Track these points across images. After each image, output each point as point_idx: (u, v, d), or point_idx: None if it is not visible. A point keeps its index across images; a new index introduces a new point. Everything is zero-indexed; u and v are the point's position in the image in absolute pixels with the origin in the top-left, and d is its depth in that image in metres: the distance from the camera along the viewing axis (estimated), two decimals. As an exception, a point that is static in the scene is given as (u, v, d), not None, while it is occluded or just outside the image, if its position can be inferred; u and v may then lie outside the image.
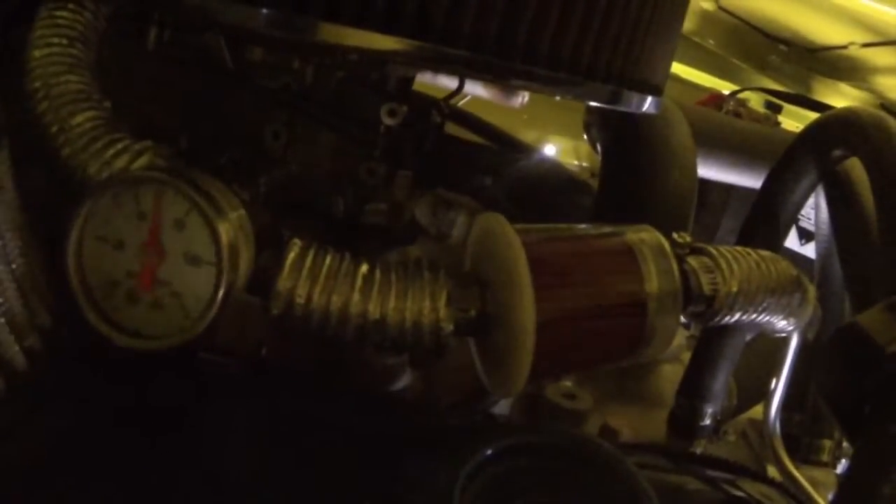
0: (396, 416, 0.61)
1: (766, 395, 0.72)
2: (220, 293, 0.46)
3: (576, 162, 1.41)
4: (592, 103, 0.64)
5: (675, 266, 0.54)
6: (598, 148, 1.00)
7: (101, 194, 0.46)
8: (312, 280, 0.48)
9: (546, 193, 1.02)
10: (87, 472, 0.46)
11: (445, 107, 0.73)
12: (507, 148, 1.13)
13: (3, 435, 0.47)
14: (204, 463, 0.49)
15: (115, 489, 0.46)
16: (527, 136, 1.20)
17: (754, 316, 0.59)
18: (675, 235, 0.56)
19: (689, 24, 0.67)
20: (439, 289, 0.50)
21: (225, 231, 0.46)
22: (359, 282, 0.49)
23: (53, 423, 0.49)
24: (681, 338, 0.94)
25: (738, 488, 0.62)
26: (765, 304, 0.59)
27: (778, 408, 0.70)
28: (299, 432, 0.52)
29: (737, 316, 0.58)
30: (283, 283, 0.48)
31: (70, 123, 0.52)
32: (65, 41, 0.55)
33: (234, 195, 0.49)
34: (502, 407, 0.76)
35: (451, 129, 1.01)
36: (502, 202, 0.87)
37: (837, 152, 0.72)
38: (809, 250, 1.66)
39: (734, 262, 0.57)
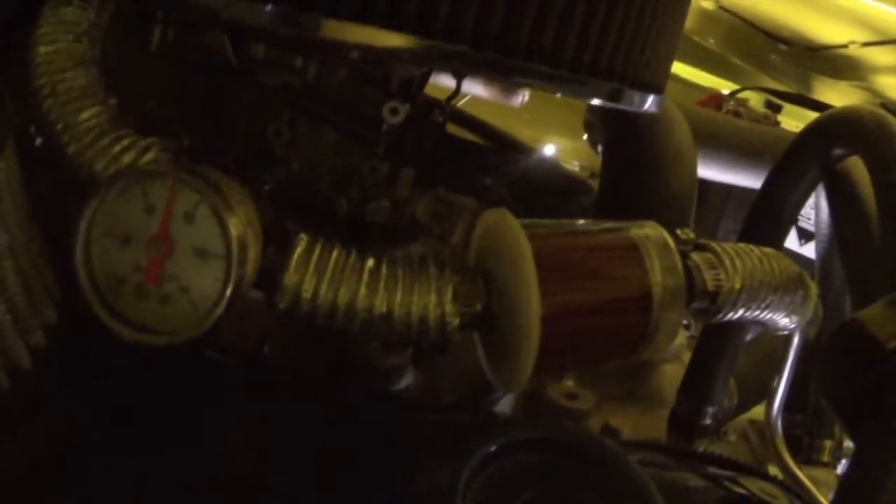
0: (399, 414, 0.61)
1: (767, 395, 0.72)
2: (230, 288, 0.46)
3: (576, 162, 1.41)
4: (594, 101, 0.64)
5: (679, 262, 0.54)
6: (599, 148, 1.00)
7: (108, 189, 0.46)
8: (319, 275, 0.48)
9: (546, 193, 1.02)
10: (90, 470, 0.46)
11: (447, 106, 0.73)
12: (507, 148, 1.13)
13: (7, 431, 0.47)
14: (206, 461, 0.49)
15: (118, 488, 0.46)
16: (527, 136, 1.20)
17: (757, 313, 0.59)
18: (678, 232, 0.56)
19: (689, 23, 0.68)
20: (445, 284, 0.50)
21: (234, 225, 0.46)
22: (365, 276, 0.49)
23: (57, 421, 0.49)
24: (682, 337, 0.94)
25: (740, 486, 0.62)
26: (768, 301, 0.59)
27: (780, 406, 0.71)
28: (301, 431, 0.52)
29: (740, 313, 0.58)
30: (289, 277, 0.48)
31: (76, 120, 0.52)
32: (70, 37, 0.55)
33: (241, 190, 0.49)
34: (504, 407, 0.76)
35: (452, 129, 1.01)
36: (504, 201, 0.87)
37: (838, 151, 0.73)
38: (809, 250, 1.66)
39: (738, 258, 0.58)
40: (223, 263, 0.46)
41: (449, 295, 0.50)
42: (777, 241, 0.76)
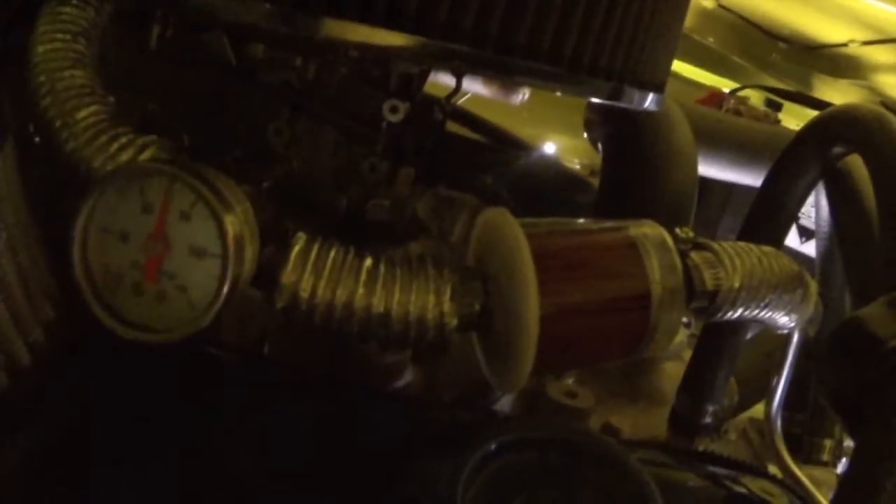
0: (399, 412, 0.61)
1: (766, 393, 0.72)
2: (226, 286, 0.46)
3: (576, 160, 1.41)
4: (594, 100, 0.64)
5: (678, 261, 0.54)
6: (599, 146, 1.00)
7: (106, 186, 0.46)
8: (317, 274, 0.48)
9: (546, 191, 1.02)
10: (89, 468, 0.46)
11: (447, 104, 0.73)
12: (507, 146, 1.13)
13: (6, 429, 0.47)
14: (205, 460, 0.49)
15: (117, 486, 0.46)
16: (527, 134, 1.20)
17: (756, 312, 0.59)
18: (677, 231, 0.56)
19: (689, 22, 0.68)
20: (443, 283, 0.50)
21: (231, 224, 0.46)
22: (363, 276, 0.49)
23: (56, 419, 0.49)
24: (682, 336, 0.94)
25: (740, 485, 0.62)
26: (767, 300, 0.59)
27: (779, 405, 0.71)
28: (301, 429, 0.52)
29: (739, 312, 0.58)
30: (287, 276, 0.48)
31: (74, 118, 0.52)
32: (68, 37, 0.56)
33: (238, 189, 0.49)
34: (503, 405, 0.76)
35: (452, 126, 1.01)
36: (504, 199, 0.87)
37: (838, 149, 0.72)
38: (809, 248, 1.66)
39: (737, 257, 0.57)
40: (220, 262, 0.46)
41: (447, 295, 0.50)
42: (777, 240, 0.76)
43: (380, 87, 0.65)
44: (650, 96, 0.65)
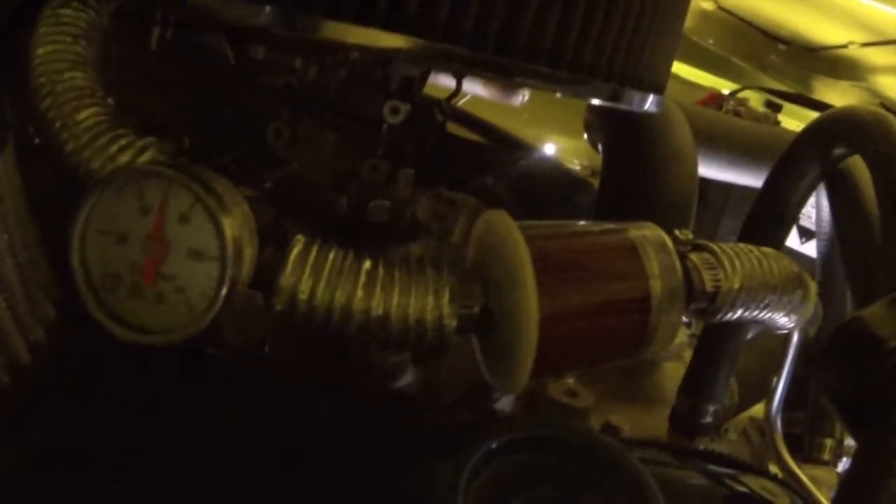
0: (399, 412, 0.61)
1: (767, 393, 0.72)
2: (224, 288, 0.46)
3: (576, 161, 1.41)
4: (594, 101, 0.64)
5: (677, 262, 0.54)
6: (599, 147, 1.00)
7: (104, 188, 0.46)
8: (315, 276, 0.48)
9: (547, 192, 1.02)
10: (89, 468, 0.46)
11: (447, 106, 0.73)
12: (507, 147, 1.13)
13: (6, 429, 0.47)
14: (206, 460, 0.49)
15: (117, 486, 0.46)
16: (527, 135, 1.20)
17: (756, 313, 0.59)
18: (677, 232, 0.56)
19: (688, 24, 0.68)
20: (442, 285, 0.50)
21: (229, 226, 0.46)
22: (362, 278, 0.49)
23: (56, 418, 0.49)
24: (682, 336, 0.94)
25: (741, 484, 0.62)
26: (767, 301, 0.59)
27: (779, 405, 0.71)
28: (301, 430, 0.52)
29: (739, 313, 0.58)
30: (286, 278, 0.48)
31: (74, 119, 0.52)
32: (68, 38, 0.56)
33: (237, 191, 0.49)
34: (504, 405, 0.76)
35: (452, 128, 1.01)
36: (504, 200, 0.87)
37: (839, 150, 0.73)
38: (809, 249, 1.66)
39: (736, 259, 0.58)
40: (218, 264, 0.46)
41: (446, 297, 0.50)
42: (778, 241, 0.76)
43: (380, 88, 0.65)
44: (650, 98, 0.65)
